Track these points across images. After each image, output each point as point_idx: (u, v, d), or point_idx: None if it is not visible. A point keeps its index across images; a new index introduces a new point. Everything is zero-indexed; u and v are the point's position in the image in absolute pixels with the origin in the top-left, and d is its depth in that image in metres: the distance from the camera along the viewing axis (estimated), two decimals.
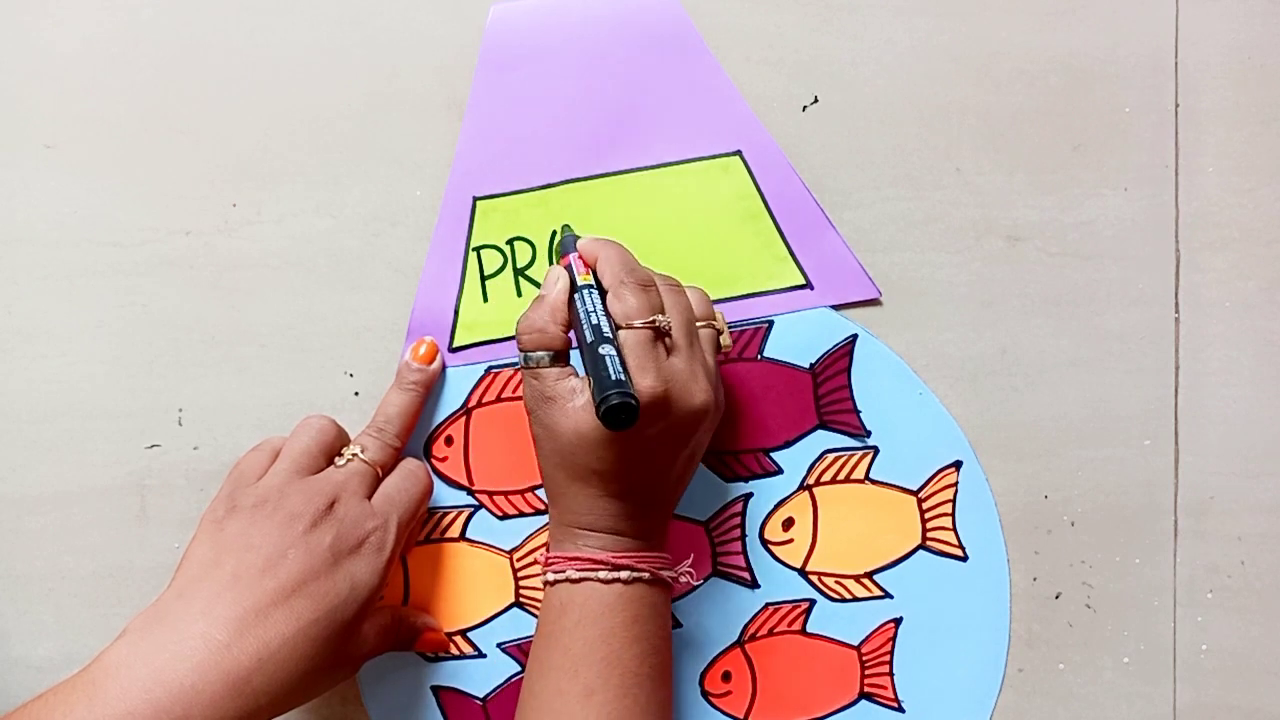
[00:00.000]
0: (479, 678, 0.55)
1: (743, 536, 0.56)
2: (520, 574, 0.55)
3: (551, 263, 0.55)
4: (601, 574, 0.48)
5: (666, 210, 0.55)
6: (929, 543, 0.56)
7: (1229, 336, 0.56)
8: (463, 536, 0.55)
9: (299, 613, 0.45)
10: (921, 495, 0.56)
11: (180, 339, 0.55)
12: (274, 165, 0.55)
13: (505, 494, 0.55)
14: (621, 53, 0.55)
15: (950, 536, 0.56)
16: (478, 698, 0.55)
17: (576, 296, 0.49)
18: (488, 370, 0.55)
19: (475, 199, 0.55)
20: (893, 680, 0.55)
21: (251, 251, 0.55)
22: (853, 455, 0.56)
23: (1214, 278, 0.56)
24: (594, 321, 0.47)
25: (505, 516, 0.55)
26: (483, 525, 0.55)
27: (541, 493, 0.55)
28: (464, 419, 0.55)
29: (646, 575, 0.48)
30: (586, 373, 0.46)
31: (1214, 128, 0.56)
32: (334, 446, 0.52)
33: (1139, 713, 0.56)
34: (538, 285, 0.55)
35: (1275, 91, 0.56)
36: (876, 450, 0.56)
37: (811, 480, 0.56)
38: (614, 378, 0.44)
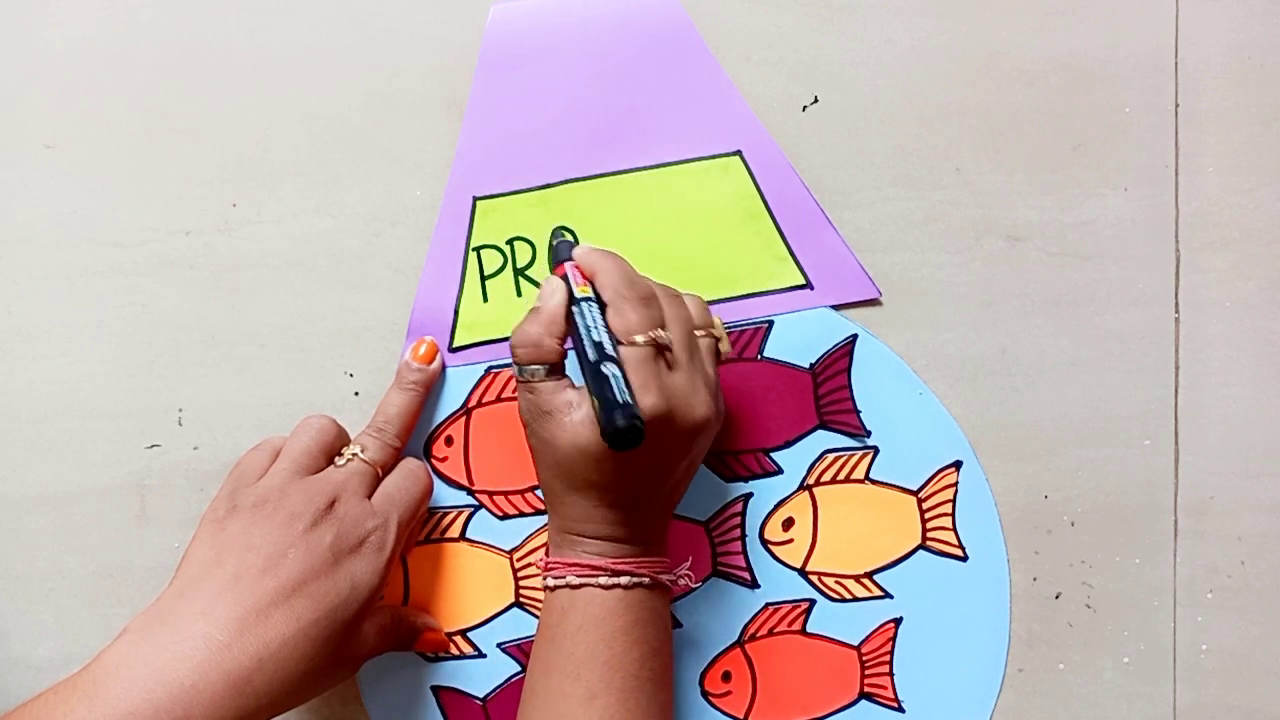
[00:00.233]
0: (479, 678, 0.55)
1: (743, 536, 0.56)
2: (520, 574, 0.55)
3: (550, 267, 0.55)
4: (601, 580, 0.48)
5: (666, 210, 0.55)
6: (929, 543, 0.56)
7: (1229, 336, 0.56)
8: (463, 536, 0.55)
9: (299, 612, 0.45)
10: (921, 495, 0.56)
11: (180, 339, 0.55)
12: (274, 165, 0.55)
13: (505, 494, 0.55)
14: (621, 53, 0.55)
15: (950, 536, 0.56)
16: (478, 698, 0.55)
17: (575, 309, 0.48)
18: (488, 370, 0.55)
19: (475, 199, 0.55)
20: (893, 680, 0.55)
21: (251, 251, 0.55)
22: (853, 455, 0.56)
23: (1214, 278, 0.56)
24: (595, 338, 0.46)
25: (505, 516, 0.55)
26: (483, 525, 0.55)
27: (541, 493, 0.55)
28: (464, 419, 0.55)
29: (646, 580, 0.48)
30: (587, 388, 0.46)
31: (1214, 128, 0.56)
32: (334, 446, 0.52)
33: (1139, 713, 0.56)
34: (538, 285, 0.55)
35: (1275, 91, 0.56)
36: (876, 450, 0.56)
37: (811, 480, 0.56)
38: (620, 399, 0.44)
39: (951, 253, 0.56)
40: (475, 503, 0.55)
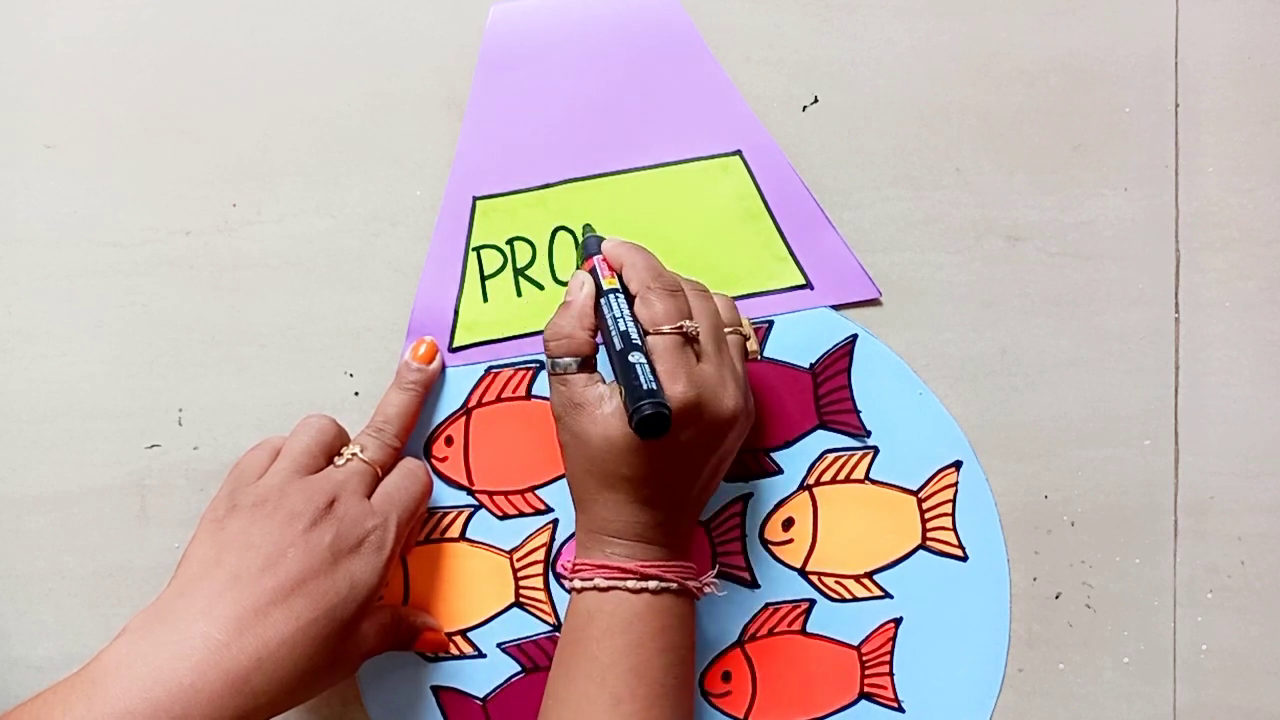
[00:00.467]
0: (479, 678, 0.55)
1: (743, 536, 0.56)
2: (520, 574, 0.55)
3: (577, 265, 0.55)
4: (630, 583, 0.48)
5: (666, 210, 0.55)
6: (929, 543, 0.56)
7: (1229, 336, 0.56)
8: (463, 536, 0.55)
9: (298, 612, 0.45)
10: (921, 495, 0.56)
11: (180, 339, 0.55)
12: (274, 165, 0.55)
13: (505, 494, 0.55)
14: (621, 53, 0.55)
15: (950, 536, 0.56)
16: (478, 698, 0.55)
17: (603, 301, 0.48)
18: (488, 370, 0.55)
19: (475, 199, 0.55)
20: (893, 680, 0.55)
21: (251, 251, 0.55)
22: (853, 455, 0.56)
23: (1214, 278, 0.56)
24: (622, 328, 0.46)
25: (505, 516, 0.55)
26: (483, 525, 0.55)
27: (542, 493, 0.55)
28: (464, 419, 0.55)
29: (674, 585, 0.48)
30: (616, 379, 0.46)
31: (1214, 128, 0.56)
32: (334, 446, 0.52)
33: (1139, 713, 0.56)
34: (538, 285, 0.55)
35: (1275, 91, 0.56)
36: (876, 450, 0.56)
37: (811, 480, 0.56)
38: (646, 386, 0.44)
39: (951, 253, 0.56)
40: (475, 503, 0.55)
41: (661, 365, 0.46)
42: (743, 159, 0.55)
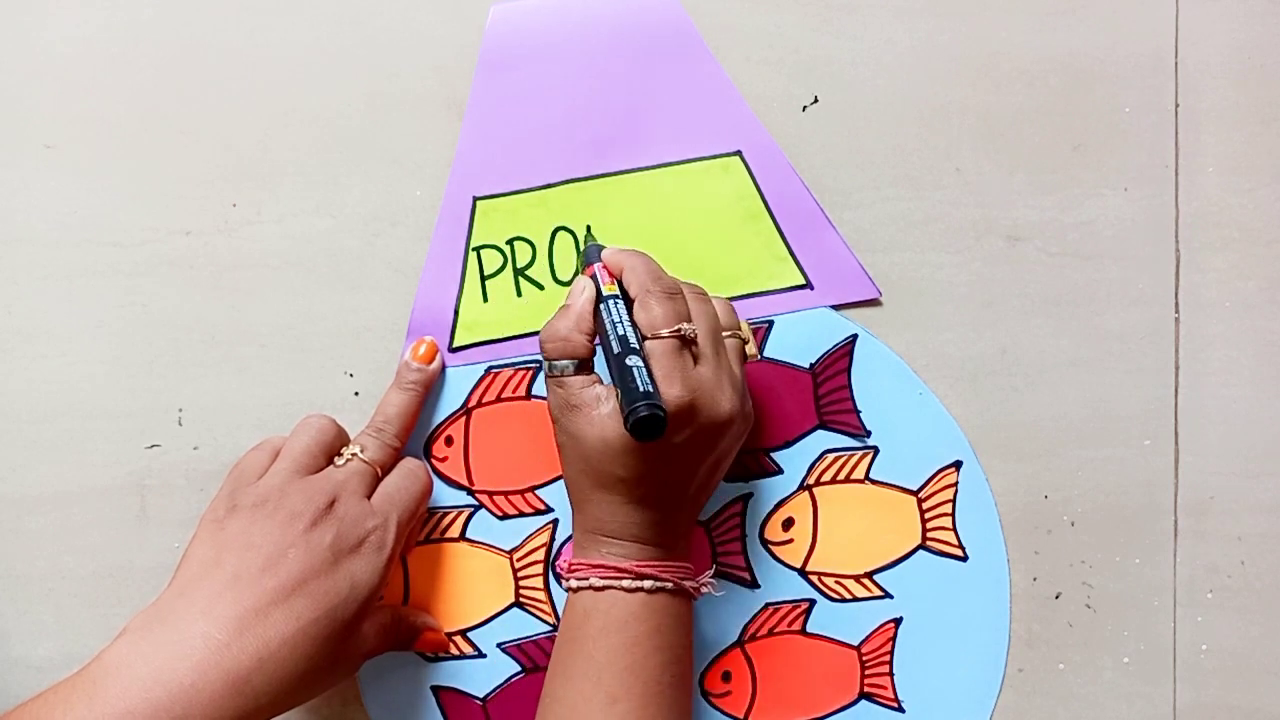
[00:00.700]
0: (479, 678, 0.55)
1: (743, 536, 0.56)
2: (520, 574, 0.55)
3: (577, 273, 0.55)
4: (625, 583, 0.48)
5: (666, 210, 0.55)
6: (929, 543, 0.56)
7: (1229, 336, 0.56)
8: (463, 536, 0.55)
9: (299, 612, 0.45)
10: (921, 495, 0.56)
11: (180, 339, 0.55)
12: (274, 165, 0.55)
13: (505, 494, 0.55)
14: (621, 53, 0.55)
15: (950, 536, 0.56)
16: (478, 698, 0.55)
17: (602, 306, 0.49)
18: (488, 370, 0.55)
19: (475, 199, 0.55)
20: (893, 680, 0.55)
21: (251, 251, 0.55)
22: (853, 455, 0.56)
23: (1214, 278, 0.56)
24: (620, 332, 0.47)
25: (505, 516, 0.55)
26: (483, 525, 0.55)
27: (542, 493, 0.55)
28: (464, 419, 0.55)
29: (670, 585, 0.48)
30: (613, 382, 0.46)
31: (1214, 128, 0.56)
32: (334, 446, 0.52)
33: (1139, 713, 0.56)
34: (538, 285, 0.55)
35: (1275, 91, 0.56)
36: (876, 450, 0.56)
37: (811, 480, 0.56)
38: (641, 389, 0.44)
39: (951, 253, 0.56)
40: (475, 503, 0.55)
41: (658, 368, 0.46)
42: (743, 159, 0.55)
